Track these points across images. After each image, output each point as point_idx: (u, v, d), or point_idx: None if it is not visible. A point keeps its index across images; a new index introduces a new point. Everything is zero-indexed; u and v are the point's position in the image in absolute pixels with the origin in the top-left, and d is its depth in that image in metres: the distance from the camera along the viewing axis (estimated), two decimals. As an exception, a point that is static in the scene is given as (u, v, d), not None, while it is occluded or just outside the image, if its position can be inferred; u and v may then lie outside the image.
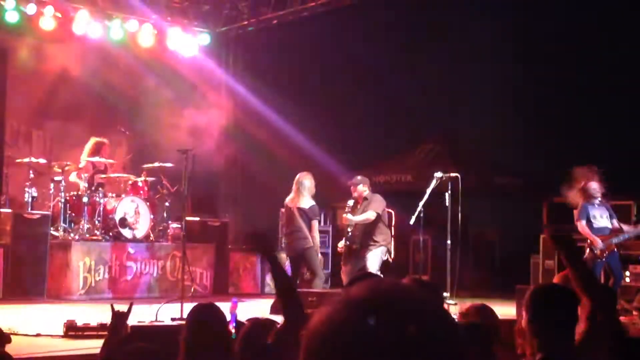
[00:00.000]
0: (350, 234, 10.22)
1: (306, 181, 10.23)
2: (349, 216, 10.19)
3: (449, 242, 10.37)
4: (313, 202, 10.25)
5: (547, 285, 3.91)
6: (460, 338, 1.29)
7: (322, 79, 15.29)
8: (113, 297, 11.42)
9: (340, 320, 1.24)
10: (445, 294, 9.40)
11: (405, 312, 1.24)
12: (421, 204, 10.24)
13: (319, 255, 10.60)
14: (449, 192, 10.31)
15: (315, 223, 10.22)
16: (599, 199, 9.94)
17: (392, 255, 10.55)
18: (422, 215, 10.24)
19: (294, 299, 3.85)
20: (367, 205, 10.21)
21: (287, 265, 10.36)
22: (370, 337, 1.21)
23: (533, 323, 3.44)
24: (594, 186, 9.92)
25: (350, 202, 10.27)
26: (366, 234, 10.18)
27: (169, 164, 12.33)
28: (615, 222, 9.95)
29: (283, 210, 11.03)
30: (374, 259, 10.12)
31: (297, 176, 10.33)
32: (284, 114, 14.65)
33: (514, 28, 14.11)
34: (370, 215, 10.13)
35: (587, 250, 9.75)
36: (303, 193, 10.18)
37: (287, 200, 10.37)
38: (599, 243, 9.77)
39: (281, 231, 13.55)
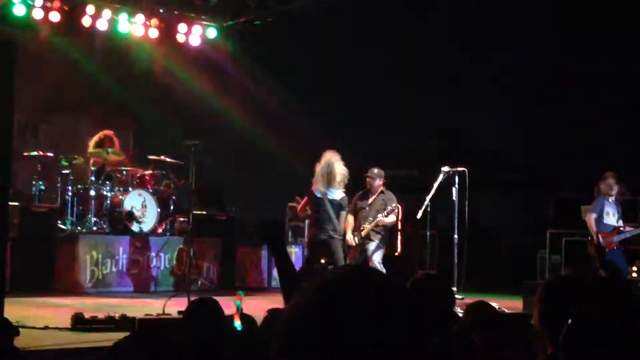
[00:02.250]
0: (364, 229, 10.18)
1: (337, 168, 9.77)
2: (383, 218, 10.12)
3: (456, 236, 10.36)
4: (343, 193, 9.94)
5: (558, 278, 3.89)
6: (423, 319, 1.31)
7: (328, 73, 15.27)
8: (120, 290, 11.46)
9: (305, 303, 1.29)
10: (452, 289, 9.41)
11: (365, 293, 1.28)
12: (428, 198, 10.24)
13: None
14: (456, 186, 10.31)
15: (344, 214, 9.99)
16: (614, 196, 9.99)
17: (399, 250, 10.57)
18: (429, 209, 10.24)
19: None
20: (385, 199, 10.21)
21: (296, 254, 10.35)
22: (331, 317, 1.25)
23: (544, 316, 3.44)
24: (611, 182, 9.95)
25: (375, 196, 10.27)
26: (375, 229, 10.21)
27: (176, 159, 12.32)
28: (621, 222, 10.02)
29: (306, 198, 10.51)
30: (378, 252, 10.14)
31: (325, 162, 9.85)
32: (291, 108, 14.65)
33: (518, 22, 14.08)
34: (394, 218, 10.25)
35: (589, 244, 9.82)
36: (333, 184, 9.80)
37: (314, 186, 9.95)
38: (600, 240, 9.84)
39: (289, 218, 13.50)
